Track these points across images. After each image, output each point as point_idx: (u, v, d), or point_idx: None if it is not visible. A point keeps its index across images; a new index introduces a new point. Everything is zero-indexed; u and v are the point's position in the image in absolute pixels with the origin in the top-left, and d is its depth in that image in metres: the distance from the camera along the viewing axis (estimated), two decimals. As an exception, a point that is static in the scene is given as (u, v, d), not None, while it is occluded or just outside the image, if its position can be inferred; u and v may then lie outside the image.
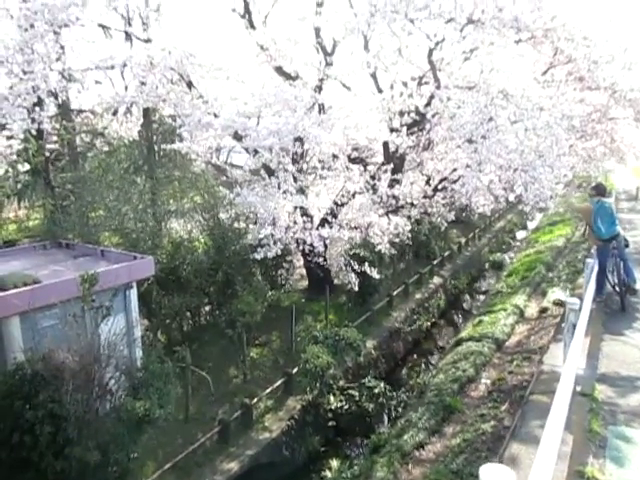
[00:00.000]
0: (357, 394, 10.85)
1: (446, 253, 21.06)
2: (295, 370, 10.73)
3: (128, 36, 14.28)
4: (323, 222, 12.96)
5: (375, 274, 13.67)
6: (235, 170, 15.08)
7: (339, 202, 13.56)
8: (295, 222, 11.88)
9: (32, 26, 12.37)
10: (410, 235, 14.86)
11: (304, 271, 15.89)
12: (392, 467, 7.62)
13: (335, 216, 13.16)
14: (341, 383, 11.26)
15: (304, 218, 12.16)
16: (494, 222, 29.53)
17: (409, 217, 14.22)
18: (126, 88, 14.13)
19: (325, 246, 12.79)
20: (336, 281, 15.29)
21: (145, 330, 11.19)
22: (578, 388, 6.95)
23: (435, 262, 19.63)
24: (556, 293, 13.69)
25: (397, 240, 13.93)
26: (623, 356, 8.29)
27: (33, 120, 12.91)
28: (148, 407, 6.91)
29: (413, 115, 12.51)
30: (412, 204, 14.12)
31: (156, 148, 15.52)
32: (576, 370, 6.08)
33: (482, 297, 19.25)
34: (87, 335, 7.15)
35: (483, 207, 14.51)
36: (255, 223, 12.57)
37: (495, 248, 26.26)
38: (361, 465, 8.55)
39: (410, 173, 15.18)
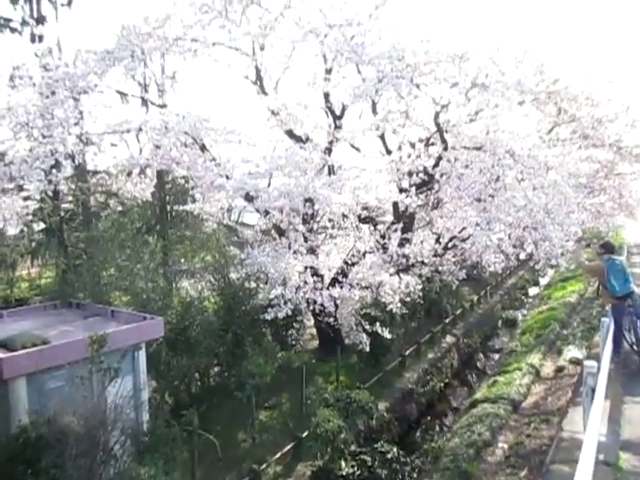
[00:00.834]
0: (369, 459, 10.45)
1: (458, 311, 20.81)
2: (305, 434, 10.43)
3: (144, 102, 14.81)
4: (334, 282, 12.93)
5: (387, 334, 13.49)
6: (246, 230, 15.23)
7: (349, 261, 13.56)
8: (306, 282, 11.86)
9: (53, 93, 12.90)
10: (421, 294, 14.76)
11: (315, 331, 15.71)
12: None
13: (346, 275, 13.14)
14: (353, 448, 10.89)
15: (314, 278, 12.15)
16: (505, 279, 29.30)
17: (420, 275, 14.17)
18: (141, 151, 14.48)
19: (336, 306, 12.70)
20: (347, 341, 15.08)
21: (152, 392, 11.01)
22: (601, 457, 6.66)
23: (447, 320, 19.37)
24: (572, 351, 13.41)
25: (408, 299, 13.83)
26: (646, 420, 7.99)
27: (50, 182, 13.24)
28: (153, 474, 6.70)
29: (422, 175, 12.68)
30: (423, 262, 14.09)
31: (169, 208, 15.75)
32: (598, 437, 5.84)
33: (496, 356, 18.86)
34: (94, 398, 7.04)
35: (494, 265, 14.44)
36: (266, 283, 12.57)
37: (507, 305, 25.93)
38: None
39: (420, 231, 15.23)
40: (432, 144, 13.38)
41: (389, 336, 13.72)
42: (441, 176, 12.74)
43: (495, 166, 11.36)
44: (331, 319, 13.43)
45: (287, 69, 13.46)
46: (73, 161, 15.00)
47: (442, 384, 15.99)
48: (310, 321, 15.50)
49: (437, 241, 14.80)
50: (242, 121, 13.46)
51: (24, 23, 17.37)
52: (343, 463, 10.30)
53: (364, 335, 13.60)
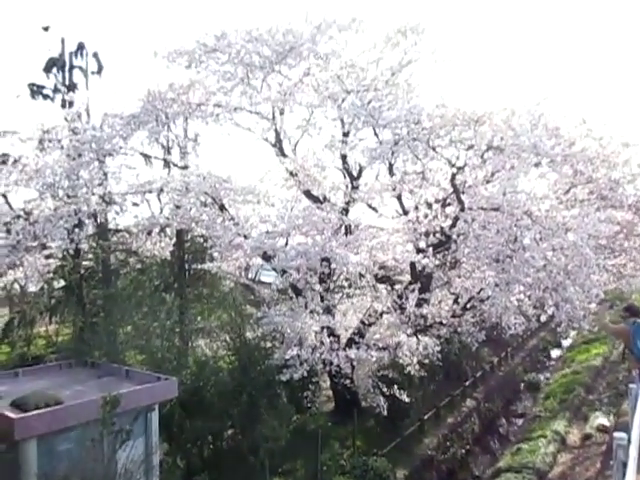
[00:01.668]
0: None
1: (478, 373, 20.24)
2: (320, 503, 10.00)
3: (166, 163, 15.22)
4: (350, 342, 12.73)
5: (405, 397, 13.12)
6: (263, 288, 15.21)
7: (366, 322, 13.40)
8: (322, 342, 11.69)
9: (80, 155, 13.37)
10: (440, 355, 14.42)
11: (331, 393, 15.35)
12: None
13: (362, 336, 12.95)
14: (370, 519, 10.40)
15: (331, 338, 11.97)
16: (527, 340, 28.57)
17: (438, 337, 13.89)
18: (161, 210, 14.78)
19: (352, 367, 12.46)
20: (364, 404, 14.67)
21: (164, 455, 10.72)
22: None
23: (467, 383, 18.83)
24: (599, 418, 12.89)
25: (427, 361, 13.52)
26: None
27: (72, 240, 13.52)
28: None
29: (439, 236, 12.67)
30: (441, 323, 13.86)
31: (187, 267, 15.87)
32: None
33: (519, 421, 18.17)
34: (104, 461, 6.88)
35: (514, 326, 14.13)
36: (282, 343, 12.42)
37: (529, 368, 25.17)
38: None
39: (438, 291, 15.05)
40: (449, 204, 13.43)
41: (407, 399, 13.35)
42: (458, 236, 12.70)
43: (513, 227, 11.31)
44: (347, 381, 13.15)
45: (305, 132, 13.81)
46: (95, 220, 15.39)
47: (463, 450, 15.37)
48: (326, 383, 15.17)
49: (455, 301, 14.59)
50: (261, 181, 13.70)
51: (56, 90, 18.22)
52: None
53: (381, 398, 13.24)
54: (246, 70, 13.12)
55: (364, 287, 13.10)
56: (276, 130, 13.65)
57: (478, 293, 13.41)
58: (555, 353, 29.45)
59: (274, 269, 12.85)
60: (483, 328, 15.25)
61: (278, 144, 13.69)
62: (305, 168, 13.19)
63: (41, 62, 18.56)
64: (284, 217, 12.50)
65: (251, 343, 13.22)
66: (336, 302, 13.37)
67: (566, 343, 30.49)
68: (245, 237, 12.02)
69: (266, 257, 12.44)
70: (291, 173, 13.07)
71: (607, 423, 12.36)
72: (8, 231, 13.51)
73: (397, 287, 13.74)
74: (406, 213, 13.52)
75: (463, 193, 12.34)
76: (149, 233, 15.80)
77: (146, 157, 14.89)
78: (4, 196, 14.54)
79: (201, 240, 14.53)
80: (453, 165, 12.61)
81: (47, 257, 14.35)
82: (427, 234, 12.75)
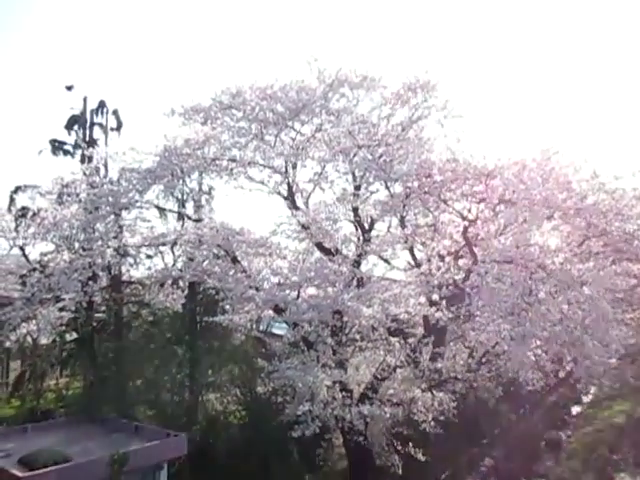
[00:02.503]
0: None
1: (496, 431, 19.58)
2: None
3: (181, 216, 15.44)
4: (363, 397, 12.44)
5: (420, 455, 12.70)
6: (274, 341, 15.07)
7: (379, 376, 13.13)
8: (334, 397, 11.46)
9: (96, 209, 13.63)
10: (456, 412, 14.01)
11: (343, 450, 14.89)
12: None
13: (376, 391, 12.67)
14: None
15: (343, 393, 11.75)
16: (545, 396, 27.69)
17: (454, 392, 13.53)
18: (175, 263, 14.89)
19: (366, 424, 12.14)
20: (378, 462, 14.19)
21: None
22: None
23: (485, 441, 18.20)
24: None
25: (442, 417, 13.13)
26: None
27: (85, 293, 13.62)
28: None
29: (452, 288, 12.55)
30: (456, 378, 13.53)
31: (198, 319, 15.83)
32: None
33: (540, 483, 17.38)
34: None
35: (532, 382, 13.75)
36: (293, 398, 12.19)
37: (550, 425, 24.30)
38: None
39: (452, 345, 14.78)
40: (461, 257, 13.37)
41: (423, 458, 12.91)
42: (472, 289, 12.57)
43: (527, 280, 11.19)
44: (361, 438, 12.77)
45: (317, 185, 13.99)
46: (109, 272, 15.51)
47: (482, 514, 14.68)
48: (339, 440, 14.75)
49: (470, 355, 14.30)
50: (273, 234, 13.80)
51: (76, 146, 18.79)
52: None
53: (396, 456, 12.85)
54: (260, 126, 13.47)
55: (377, 340, 12.92)
56: (288, 183, 13.85)
57: (493, 347, 13.15)
58: (575, 410, 28.47)
59: (286, 322, 12.78)
60: (500, 383, 14.87)
61: (290, 197, 13.86)
62: (317, 221, 13.28)
63: (62, 119, 19.28)
64: (296, 269, 12.53)
65: (262, 398, 13.05)
66: (348, 356, 13.17)
67: (587, 399, 29.54)
68: (257, 289, 12.01)
69: (278, 310, 12.39)
70: (303, 226, 13.16)
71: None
72: (23, 284, 13.67)
73: (410, 340, 13.53)
74: (418, 265, 13.47)
75: (476, 246, 12.30)
76: (162, 285, 15.87)
77: (161, 210, 15.13)
78: (21, 249, 14.80)
79: (213, 292, 14.54)
80: (465, 218, 12.63)
81: (60, 310, 14.41)
82: (440, 287, 12.63)
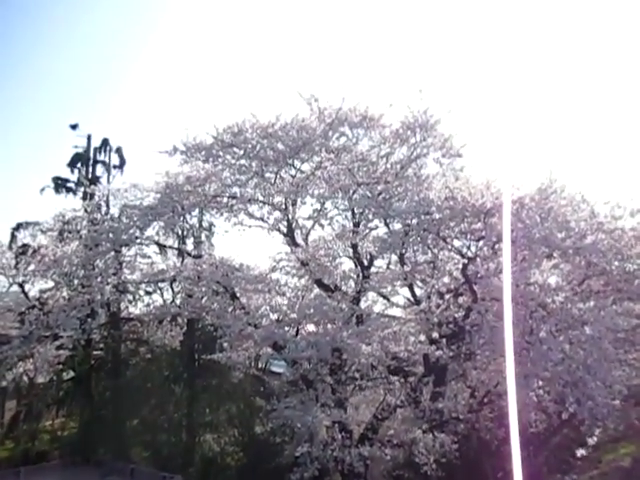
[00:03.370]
0: None
1: (499, 474, 19.03)
2: None
3: (180, 252, 15.43)
4: (363, 438, 12.16)
5: (422, 500, 12.30)
6: (273, 380, 14.84)
7: (380, 416, 12.86)
8: (334, 438, 11.19)
9: (97, 245, 13.63)
10: (458, 453, 13.65)
11: (343, 493, 14.47)
12: None
13: (376, 431, 12.39)
14: None
15: (343, 434, 11.48)
16: (549, 438, 27.09)
17: (455, 433, 13.20)
18: (173, 299, 14.80)
19: (366, 466, 11.81)
20: (378, 506, 13.77)
21: None
22: None
23: (488, 484, 17.65)
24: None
25: (444, 459, 12.78)
26: None
27: (84, 330, 13.48)
28: None
29: (452, 326, 12.42)
30: (458, 418, 13.23)
31: (196, 357, 15.65)
32: None
33: (546, 530, 16.78)
34: None
35: (535, 423, 13.44)
36: (291, 439, 11.92)
37: (554, 468, 23.66)
38: None
39: (453, 384, 14.52)
40: (461, 295, 13.26)
41: (425, 502, 12.49)
42: (472, 327, 12.42)
43: (528, 319, 11.06)
44: (361, 481, 12.41)
45: (317, 222, 14.02)
46: (108, 309, 15.40)
47: None
48: (338, 482, 14.33)
49: (472, 395, 14.03)
50: (272, 270, 13.76)
51: (79, 184, 18.95)
52: None
53: (397, 500, 12.43)
54: (261, 164, 13.60)
55: (376, 379, 12.70)
56: (288, 220, 13.90)
57: (495, 387, 12.90)
58: (580, 452, 27.77)
59: (284, 359, 12.61)
60: (502, 425, 14.51)
61: (290, 234, 13.88)
62: (316, 257, 13.27)
63: (66, 157, 19.50)
64: (295, 306, 12.45)
65: (260, 438, 12.77)
66: (348, 395, 12.93)
67: (591, 441, 28.85)
68: (255, 326, 11.90)
69: (276, 347, 12.25)
70: (302, 262, 13.12)
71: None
72: (22, 321, 13.54)
73: (411, 379, 13.29)
74: (418, 303, 13.35)
75: (475, 284, 12.20)
76: (160, 322, 15.73)
77: (161, 247, 15.15)
78: (21, 286, 14.72)
79: (211, 329, 14.42)
80: (464, 255, 12.59)
81: (58, 348, 14.24)
82: (440, 324, 12.50)
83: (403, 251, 13.29)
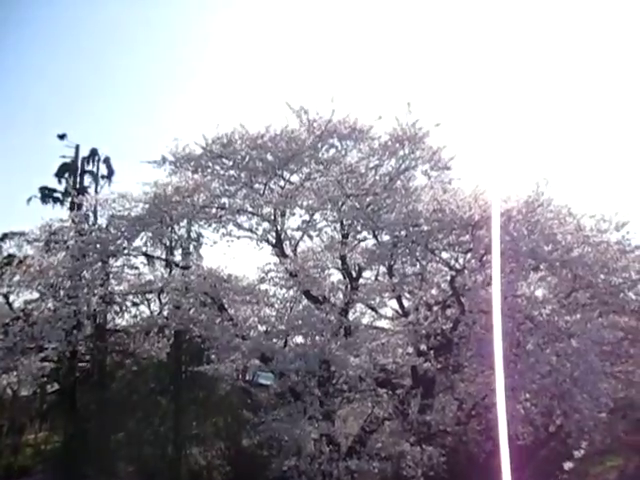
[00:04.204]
0: None
1: (487, 487, 18.97)
2: None
3: (168, 263, 15.31)
4: (351, 451, 12.07)
5: (410, 515, 12.19)
6: (261, 392, 14.73)
7: (367, 429, 12.79)
8: (321, 451, 11.12)
9: (84, 256, 13.47)
10: (445, 467, 13.59)
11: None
12: None
13: (364, 444, 12.29)
14: None
15: (331, 447, 11.40)
16: (536, 451, 27.05)
17: (443, 446, 13.16)
18: (160, 310, 14.66)
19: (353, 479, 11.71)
20: (367, 521, 13.64)
21: None
22: None
23: (476, 498, 17.58)
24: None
25: (432, 473, 12.71)
26: None
27: (69, 342, 13.27)
28: None
29: (440, 338, 12.42)
30: (445, 431, 13.20)
31: (183, 369, 15.50)
32: None
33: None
34: None
35: (522, 436, 13.42)
36: (279, 452, 11.81)
37: (542, 481, 23.64)
38: None
39: (441, 396, 14.49)
40: (449, 307, 13.29)
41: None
42: (460, 339, 12.45)
43: (515, 331, 11.10)
44: (348, 496, 12.30)
45: (305, 233, 14.00)
46: (94, 321, 15.21)
47: None
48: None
49: (460, 408, 14.01)
50: (260, 281, 13.70)
51: (66, 194, 18.80)
52: None
53: (385, 515, 12.33)
54: (250, 175, 13.58)
55: (364, 391, 12.65)
56: (277, 231, 13.84)
57: (483, 399, 12.90)
58: (567, 465, 27.76)
59: (272, 371, 12.53)
60: (490, 437, 14.49)
61: (279, 245, 13.83)
62: (305, 268, 13.22)
63: (53, 167, 19.38)
64: (283, 318, 12.40)
65: (247, 452, 12.64)
66: (336, 407, 12.84)
67: (578, 454, 28.86)
68: (243, 338, 11.82)
69: (264, 359, 12.17)
70: (291, 273, 13.08)
71: None
72: (6, 333, 13.30)
73: (399, 391, 13.24)
74: (406, 314, 13.35)
75: (463, 296, 12.25)
76: (147, 334, 15.57)
77: (149, 257, 15.02)
78: (5, 297, 14.51)
79: (199, 341, 14.30)
80: (452, 268, 12.64)
81: (42, 360, 14.02)
82: (428, 336, 12.50)
83: (391, 263, 13.32)
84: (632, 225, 13.30)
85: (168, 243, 15.59)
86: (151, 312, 14.92)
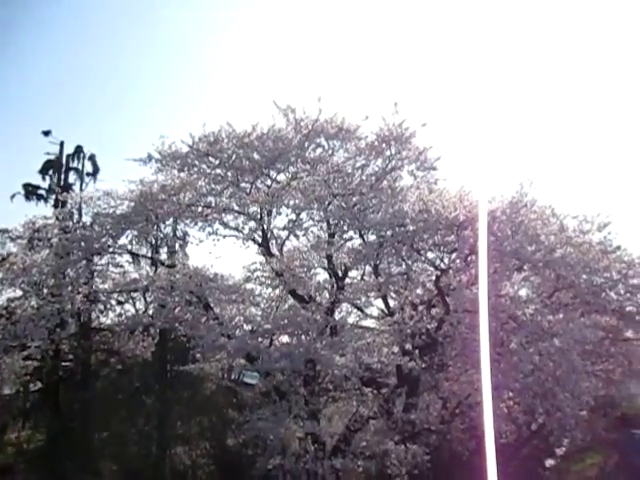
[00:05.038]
0: None
1: (470, 485, 19.09)
2: None
3: (154, 262, 15.19)
4: (336, 450, 12.07)
5: (395, 514, 12.23)
6: (246, 391, 14.69)
7: (352, 427, 12.80)
8: (306, 450, 11.10)
9: (68, 254, 13.31)
10: (429, 465, 13.65)
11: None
12: None
13: (349, 443, 12.30)
14: None
15: (316, 445, 11.38)
16: (518, 449, 27.29)
17: (427, 444, 13.21)
18: (146, 309, 14.53)
19: (338, 478, 11.72)
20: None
21: None
22: None
23: (460, 496, 17.68)
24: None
25: (416, 471, 12.76)
26: None
27: (52, 341, 13.11)
28: None
29: (425, 338, 12.46)
30: (430, 430, 13.25)
31: (168, 368, 15.40)
32: None
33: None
34: None
35: (505, 434, 13.53)
36: (264, 451, 11.79)
37: (523, 478, 23.83)
38: None
39: (425, 395, 14.55)
40: (434, 306, 13.34)
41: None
42: (444, 338, 12.50)
43: (499, 330, 11.18)
44: (333, 494, 12.30)
45: (292, 233, 13.97)
46: (78, 319, 15.05)
47: None
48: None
49: (444, 406, 14.07)
50: (246, 280, 13.65)
51: (50, 191, 18.57)
52: None
53: (369, 513, 12.35)
54: (236, 173, 13.52)
55: (350, 390, 12.66)
56: (263, 230, 13.81)
57: (466, 398, 12.98)
58: (549, 462, 28.05)
59: (257, 371, 12.49)
60: (474, 436, 14.58)
61: (265, 244, 13.79)
62: (291, 268, 13.19)
63: (37, 164, 19.12)
64: (269, 317, 12.35)
65: (232, 451, 12.60)
66: (321, 406, 12.85)
67: (560, 452, 29.17)
68: (229, 337, 11.75)
69: (250, 358, 12.12)
70: (277, 273, 13.04)
71: None
72: (-12, 331, 13.10)
73: (383, 390, 13.28)
74: (391, 314, 13.38)
75: (448, 295, 12.30)
76: (132, 332, 15.42)
77: (134, 256, 14.90)
78: (-13, 295, 14.27)
79: (184, 340, 14.21)
80: (437, 267, 12.69)
81: (25, 358, 13.83)
82: (413, 336, 12.53)
83: (377, 262, 13.35)
84: (613, 226, 13.51)
85: (153, 241, 15.50)
86: (136, 311, 14.79)
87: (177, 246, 15.71)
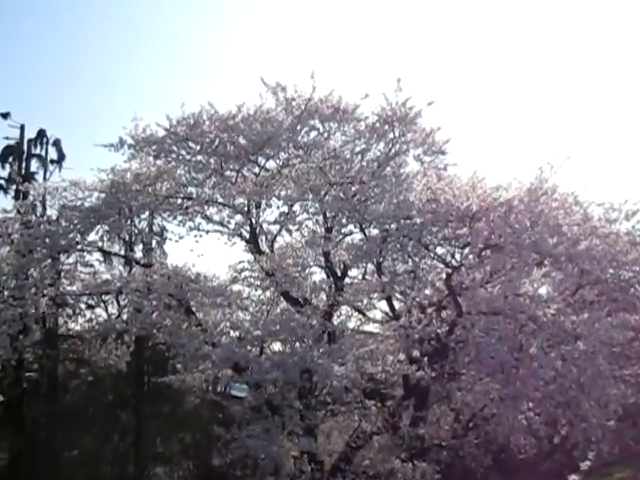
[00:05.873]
0: None
1: (486, 504, 19.28)
2: None
3: (128, 260, 15.19)
4: (335, 470, 12.15)
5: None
6: (234, 405, 14.76)
7: (354, 444, 12.85)
8: (302, 471, 11.18)
9: (31, 252, 13.27)
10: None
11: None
12: None
13: (350, 462, 12.38)
14: None
15: (312, 465, 11.45)
16: (539, 464, 27.53)
17: (438, 461, 13.30)
18: (119, 314, 14.54)
19: (338, 501, 11.79)
20: None
21: None
22: None
23: (474, 517, 17.85)
24: None
25: (426, 491, 12.85)
26: None
27: (15, 349, 13.10)
28: None
29: (434, 343, 12.49)
30: (440, 445, 13.34)
31: (146, 380, 15.46)
32: None
33: None
34: None
35: (524, 448, 13.64)
36: (254, 472, 11.88)
37: (545, 496, 24.09)
38: None
39: (435, 407, 14.62)
40: (444, 308, 13.36)
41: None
42: (456, 344, 12.52)
43: (517, 333, 11.21)
44: (332, 520, 12.39)
45: (284, 227, 13.96)
46: (44, 325, 15.06)
47: None
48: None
49: (456, 419, 14.15)
50: (233, 282, 13.64)
51: (10, 180, 18.50)
52: None
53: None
54: (220, 160, 13.49)
55: (350, 403, 12.74)
56: (251, 225, 13.80)
57: (481, 410, 13.04)
58: (573, 478, 28.34)
59: (246, 383, 12.52)
60: (489, 451, 14.68)
61: (253, 240, 13.78)
62: (283, 267, 13.19)
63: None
64: (259, 322, 12.36)
65: (218, 472, 12.70)
66: (318, 421, 12.89)
67: (584, 466, 29.44)
68: (214, 345, 11.75)
69: (238, 369, 12.13)
70: (267, 272, 13.04)
71: None
72: (-58, 338, 13.08)
73: (389, 403, 13.33)
74: (397, 317, 13.38)
75: (460, 295, 12.31)
76: (104, 340, 15.46)
77: (105, 254, 14.89)
78: (-60, 298, 14.23)
79: (163, 348, 14.25)
80: (448, 264, 12.69)
81: (-14, 371, 13.86)
82: (421, 341, 12.54)
83: (381, 260, 13.33)
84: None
85: (127, 238, 15.52)
86: (108, 316, 14.79)
87: (154, 243, 15.74)
